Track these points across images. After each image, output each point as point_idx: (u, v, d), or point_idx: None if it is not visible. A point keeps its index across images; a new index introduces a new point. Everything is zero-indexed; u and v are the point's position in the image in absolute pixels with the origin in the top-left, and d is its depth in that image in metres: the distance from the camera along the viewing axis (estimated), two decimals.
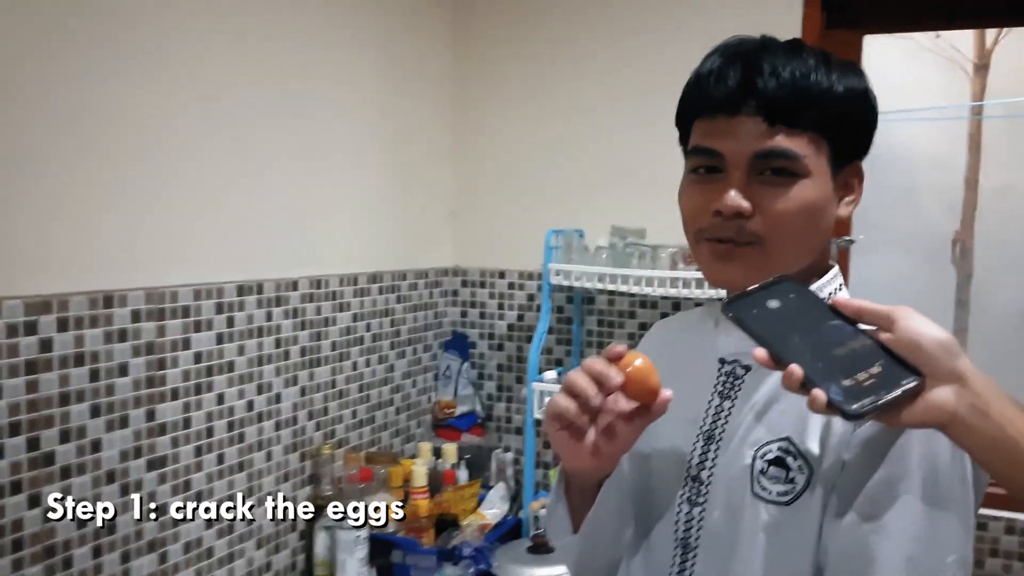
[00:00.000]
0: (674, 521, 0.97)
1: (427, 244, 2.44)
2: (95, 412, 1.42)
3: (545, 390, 2.15)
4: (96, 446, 1.43)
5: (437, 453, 2.22)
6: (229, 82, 1.68)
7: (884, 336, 0.77)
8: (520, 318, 2.48)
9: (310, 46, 1.91)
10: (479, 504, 2.21)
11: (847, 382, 0.75)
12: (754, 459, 0.91)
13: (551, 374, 2.19)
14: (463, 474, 2.25)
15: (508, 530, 2.15)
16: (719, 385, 0.97)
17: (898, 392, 0.73)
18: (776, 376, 0.84)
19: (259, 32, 1.75)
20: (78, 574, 1.40)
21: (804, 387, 0.76)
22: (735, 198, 0.89)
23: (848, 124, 0.92)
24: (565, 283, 2.18)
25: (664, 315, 2.31)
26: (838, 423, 0.87)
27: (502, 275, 2.49)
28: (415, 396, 2.39)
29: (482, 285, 2.52)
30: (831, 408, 0.74)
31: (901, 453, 0.83)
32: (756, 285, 0.83)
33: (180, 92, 1.57)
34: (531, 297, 2.45)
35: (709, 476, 0.95)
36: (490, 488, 2.29)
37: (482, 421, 2.49)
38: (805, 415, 0.87)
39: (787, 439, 0.90)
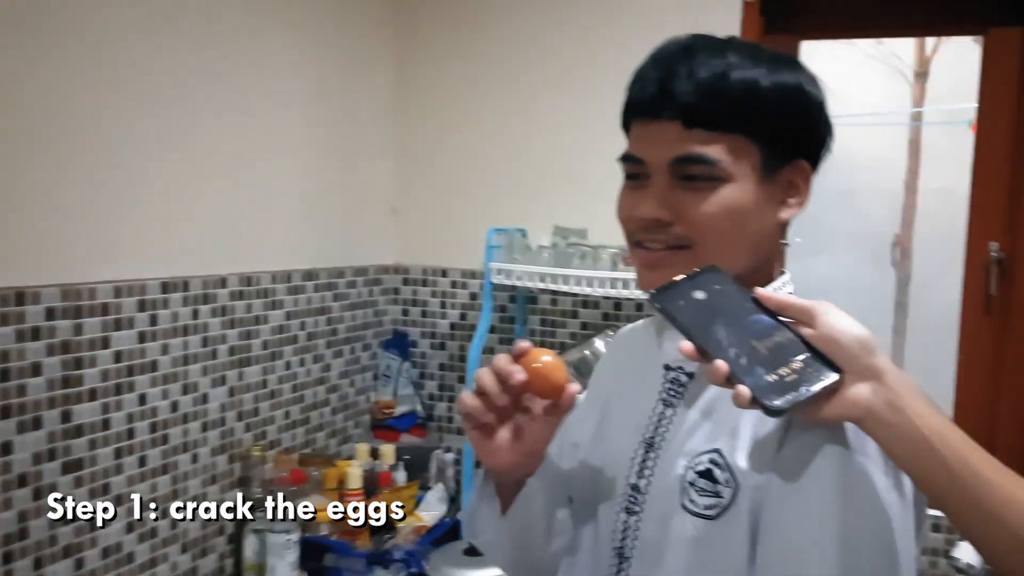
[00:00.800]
0: (612, 529, 0.95)
1: (367, 241, 2.40)
2: (5, 413, 1.36)
3: None
4: (7, 448, 1.37)
5: (375, 454, 2.19)
6: (158, 72, 1.62)
7: (805, 331, 0.78)
8: (463, 317, 2.45)
9: (246, 38, 1.86)
10: (417, 506, 2.18)
11: (770, 377, 0.75)
12: (686, 470, 0.89)
13: None
14: (401, 475, 2.22)
15: (445, 532, 2.12)
16: (663, 392, 0.96)
17: (818, 388, 0.75)
18: (712, 386, 0.85)
19: (193, 24, 1.70)
20: None
21: (729, 381, 0.76)
22: (651, 207, 0.89)
23: (778, 122, 0.89)
24: (507, 282, 2.16)
25: (606, 315, 2.31)
26: (767, 437, 0.85)
27: (444, 273, 2.46)
28: (353, 396, 2.35)
29: (424, 283, 2.49)
30: (754, 403, 0.74)
31: (824, 482, 0.80)
32: (683, 275, 0.82)
33: (102, 81, 1.51)
34: (474, 296, 2.43)
35: (647, 485, 0.93)
36: (429, 489, 2.26)
37: (423, 421, 2.46)
38: (737, 426, 0.87)
39: (717, 451, 0.88)
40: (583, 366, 2.10)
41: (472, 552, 1.95)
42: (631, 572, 0.93)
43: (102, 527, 1.52)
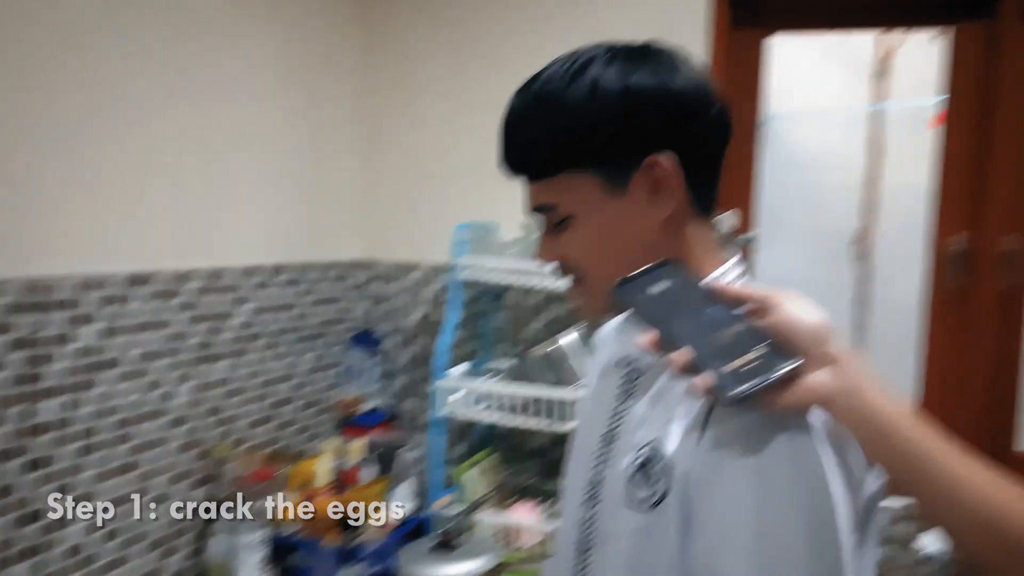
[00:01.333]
0: (577, 521, 0.97)
1: (334, 236, 2.37)
2: None
3: (451, 387, 2.12)
4: None
5: (342, 451, 2.16)
6: (123, 64, 1.58)
7: (763, 321, 0.79)
8: (430, 313, 2.43)
9: (214, 31, 1.82)
10: (385, 502, 2.16)
11: (729, 367, 0.76)
12: (630, 463, 0.90)
13: (459, 370, 2.16)
14: (368, 472, 2.20)
15: (413, 528, 2.10)
16: (621, 386, 0.97)
17: (776, 376, 0.76)
18: (661, 378, 0.88)
19: (160, 17, 1.66)
20: None
21: (689, 372, 0.77)
22: (542, 252, 0.95)
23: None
24: (475, 278, 2.15)
25: (575, 311, 2.31)
26: (692, 426, 0.85)
27: (412, 269, 2.44)
28: (320, 393, 2.32)
29: (391, 279, 2.47)
30: (712, 393, 0.75)
31: (739, 472, 0.80)
32: (640, 270, 0.84)
33: (65, 71, 1.47)
34: (442, 291, 2.41)
35: (603, 479, 0.95)
36: (397, 486, 2.24)
37: (390, 418, 2.45)
38: (671, 418, 0.87)
39: (652, 443, 0.88)
40: (552, 362, 2.10)
41: (440, 548, 1.94)
42: (590, 563, 0.95)
43: (62, 528, 1.49)
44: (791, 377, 0.77)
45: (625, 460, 0.90)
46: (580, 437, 1.02)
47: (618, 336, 1.03)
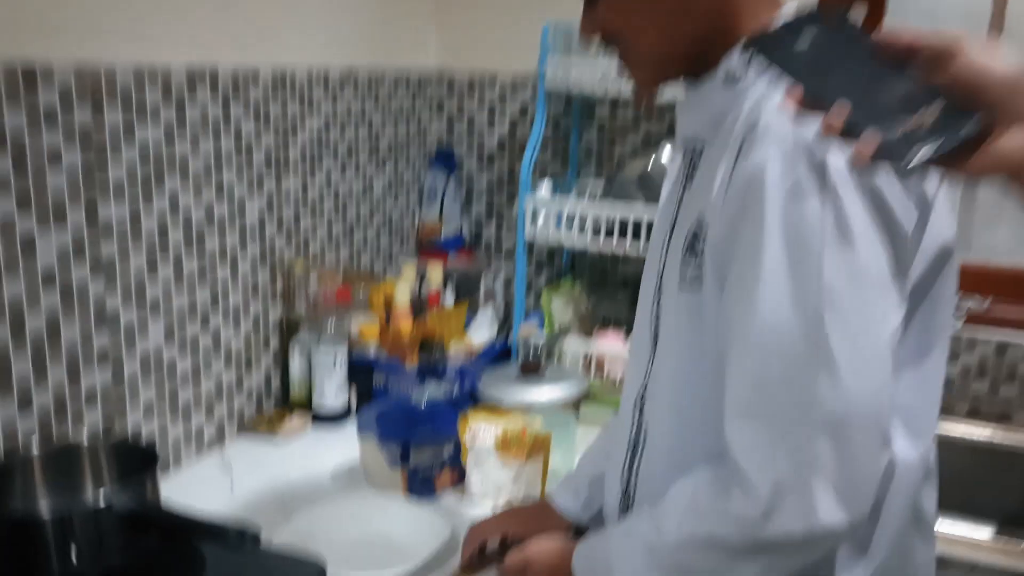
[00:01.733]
0: (647, 316, 0.95)
1: (408, 40, 2.18)
2: (24, 204, 1.23)
3: (538, 207, 1.97)
4: (30, 246, 1.25)
5: (421, 276, 2.07)
6: None
7: (943, 75, 0.65)
8: (512, 131, 2.26)
9: None
10: (466, 328, 2.08)
11: (899, 129, 0.63)
12: (681, 243, 0.87)
13: (545, 188, 2.00)
14: (449, 297, 2.11)
15: (497, 355, 2.03)
16: (684, 171, 0.94)
17: (959, 139, 0.63)
18: (713, 155, 0.83)
19: None
20: (17, 384, 1.25)
21: (847, 135, 0.64)
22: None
23: None
24: (562, 87, 1.96)
25: (671, 127, 2.11)
26: (717, 194, 0.80)
27: (492, 80, 2.25)
28: (397, 215, 2.21)
29: (470, 94, 2.29)
30: (880, 159, 0.63)
31: (757, 220, 0.76)
32: (781, 23, 0.71)
33: None
34: (524, 107, 2.23)
35: (665, 267, 0.93)
36: (478, 312, 2.15)
37: (470, 243, 2.33)
38: (711, 188, 0.82)
39: (697, 217, 0.84)
40: (647, 180, 1.93)
41: (524, 373, 1.86)
42: (656, 354, 0.93)
43: (137, 337, 1.43)
44: (979, 140, 0.63)
45: (680, 246, 0.87)
46: (653, 235, 0.99)
47: (680, 116, 0.95)
